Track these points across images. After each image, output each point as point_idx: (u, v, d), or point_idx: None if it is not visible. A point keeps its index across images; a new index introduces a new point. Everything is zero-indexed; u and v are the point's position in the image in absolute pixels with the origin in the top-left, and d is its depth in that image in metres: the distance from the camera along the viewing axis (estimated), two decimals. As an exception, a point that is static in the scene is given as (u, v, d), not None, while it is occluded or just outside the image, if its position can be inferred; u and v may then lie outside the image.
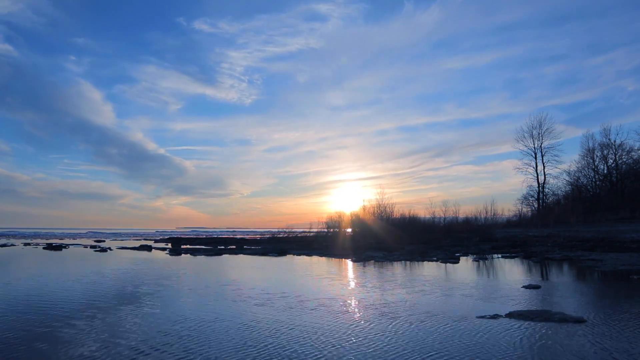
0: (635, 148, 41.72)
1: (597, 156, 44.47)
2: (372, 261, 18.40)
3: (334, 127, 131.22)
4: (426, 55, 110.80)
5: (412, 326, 6.49)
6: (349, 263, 18.11)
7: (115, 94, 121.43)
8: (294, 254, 23.47)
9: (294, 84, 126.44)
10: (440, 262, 17.65)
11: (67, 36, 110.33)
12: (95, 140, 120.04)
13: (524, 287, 10.39)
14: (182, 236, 49.54)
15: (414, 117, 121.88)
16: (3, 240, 42.07)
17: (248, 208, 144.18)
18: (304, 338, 5.84)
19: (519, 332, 6.05)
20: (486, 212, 37.90)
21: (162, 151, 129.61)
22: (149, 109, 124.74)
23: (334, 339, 5.82)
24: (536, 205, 46.10)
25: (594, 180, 45.52)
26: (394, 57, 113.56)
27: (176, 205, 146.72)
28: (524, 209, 47.04)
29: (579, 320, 6.62)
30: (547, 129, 44.92)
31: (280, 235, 38.66)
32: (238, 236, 53.17)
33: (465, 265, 16.40)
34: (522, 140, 46.28)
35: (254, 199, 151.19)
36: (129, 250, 28.00)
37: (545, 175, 45.33)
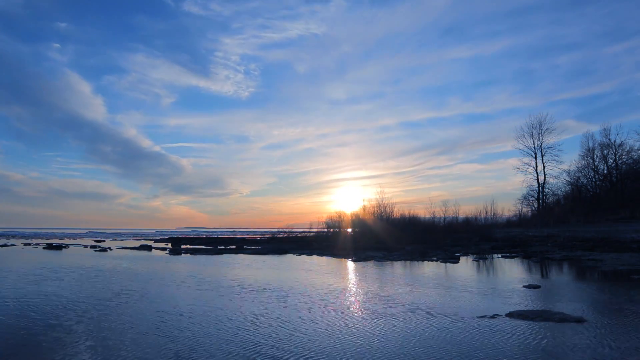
0: (635, 148, 41.73)
1: (597, 156, 44.49)
2: (372, 261, 18.39)
3: (335, 122, 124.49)
4: (433, 44, 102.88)
5: (412, 326, 6.49)
6: (349, 263, 18.11)
7: (105, 86, 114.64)
8: (294, 254, 23.47)
9: (292, 75, 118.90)
10: (441, 262, 17.64)
11: (47, 21, 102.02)
12: (87, 136, 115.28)
13: (524, 287, 10.39)
14: (182, 236, 49.52)
15: (418, 111, 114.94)
16: (3, 240, 42.06)
17: (248, 208, 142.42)
18: (303, 336, 5.84)
19: (519, 332, 6.04)
20: (486, 212, 37.92)
21: (157, 149, 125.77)
22: (141, 103, 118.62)
23: (333, 338, 5.81)
24: (536, 205, 46.09)
25: (594, 180, 45.52)
26: (399, 45, 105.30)
27: (175, 205, 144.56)
28: (524, 209, 47.03)
29: (579, 320, 6.62)
30: (547, 129, 44.97)
31: (280, 235, 38.66)
32: (238, 236, 53.15)
33: (465, 265, 16.40)
34: (522, 140, 46.36)
35: (254, 198, 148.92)
36: (129, 250, 28.00)
37: (545, 175, 45.39)
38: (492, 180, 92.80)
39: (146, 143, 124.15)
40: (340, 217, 37.19)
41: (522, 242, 26.54)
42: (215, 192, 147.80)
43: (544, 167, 45.19)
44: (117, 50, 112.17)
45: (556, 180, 45.47)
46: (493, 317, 7.01)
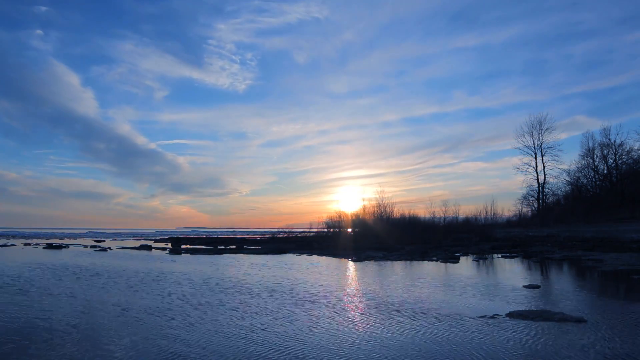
0: (635, 148, 41.80)
1: (597, 156, 44.56)
2: (372, 261, 18.39)
3: (335, 118, 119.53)
4: (440, 31, 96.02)
5: (411, 326, 6.48)
6: (349, 263, 18.10)
7: (94, 78, 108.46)
8: (293, 254, 23.47)
9: (292, 66, 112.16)
10: (440, 262, 17.64)
11: (25, 4, 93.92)
12: (79, 133, 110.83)
13: (524, 286, 10.39)
14: (182, 236, 49.51)
15: (421, 106, 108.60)
16: (3, 240, 42.05)
17: (247, 208, 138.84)
18: (302, 335, 5.84)
19: (519, 332, 6.04)
20: (486, 212, 37.98)
21: (153, 146, 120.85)
22: (133, 97, 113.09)
23: (332, 338, 5.80)
24: (536, 205, 46.15)
25: (594, 180, 45.58)
26: (404, 33, 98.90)
27: (174, 204, 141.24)
28: (524, 209, 47.12)
29: (579, 320, 6.61)
30: (547, 129, 45.02)
31: (280, 236, 38.68)
32: (238, 236, 53.14)
33: (465, 265, 16.40)
34: (522, 140, 46.41)
35: (253, 197, 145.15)
36: (129, 249, 28.00)
37: (545, 175, 45.43)
38: (496, 179, 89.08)
39: (141, 140, 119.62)
40: (340, 217, 37.24)
41: (522, 242, 26.54)
42: (214, 192, 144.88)
43: (544, 167, 45.32)
44: (104, 37, 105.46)
45: (556, 180, 45.60)
46: (493, 317, 7.00)
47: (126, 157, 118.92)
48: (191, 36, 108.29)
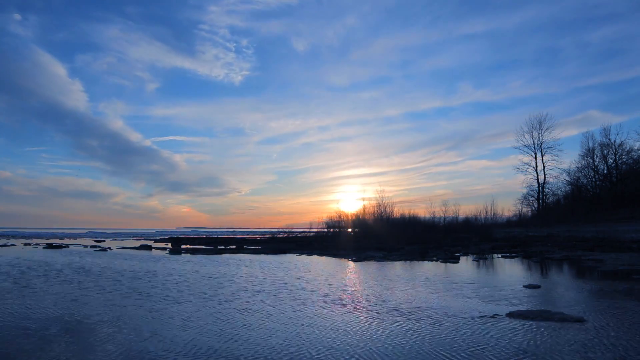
0: (635, 148, 41.82)
1: (597, 156, 44.56)
2: (372, 261, 18.39)
3: (336, 113, 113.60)
4: (449, 16, 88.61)
5: (411, 325, 6.48)
6: (349, 263, 18.10)
7: (81, 69, 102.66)
8: (293, 254, 23.48)
9: (290, 55, 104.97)
10: (440, 262, 17.64)
11: None
12: (71, 129, 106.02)
13: (524, 286, 10.39)
14: (182, 236, 49.53)
15: (425, 100, 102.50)
16: (3, 241, 42.05)
17: (247, 207, 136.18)
18: (302, 335, 5.84)
19: (519, 331, 6.04)
20: (486, 212, 37.98)
21: (147, 143, 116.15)
22: (123, 90, 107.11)
23: (331, 337, 5.80)
24: (536, 205, 46.16)
25: (594, 180, 45.57)
26: (411, 18, 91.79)
27: (172, 204, 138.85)
28: (524, 209, 47.14)
29: (579, 320, 6.62)
30: (547, 129, 45.03)
31: (280, 235, 38.71)
32: (238, 236, 53.15)
33: (465, 265, 16.40)
34: (522, 139, 46.41)
35: (253, 197, 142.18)
36: (129, 249, 27.99)
37: (545, 175, 45.43)
38: (500, 178, 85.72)
39: (135, 136, 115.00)
40: (340, 217, 37.31)
41: (522, 242, 26.55)
42: (213, 191, 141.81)
43: (544, 166, 45.34)
44: (87, 21, 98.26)
45: (556, 180, 45.63)
46: (493, 317, 7.00)
47: (121, 155, 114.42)
48: (181, 20, 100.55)
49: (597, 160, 44.60)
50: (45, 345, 5.49)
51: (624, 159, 42.76)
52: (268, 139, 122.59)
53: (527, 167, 46.28)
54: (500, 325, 6.42)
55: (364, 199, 40.06)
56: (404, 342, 5.61)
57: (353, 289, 10.47)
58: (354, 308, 8.04)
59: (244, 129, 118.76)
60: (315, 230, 37.17)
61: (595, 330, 6.09)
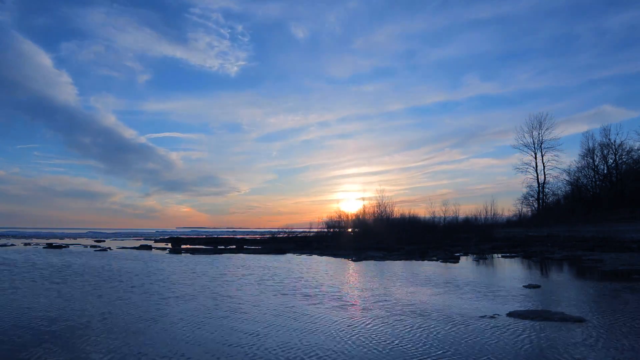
0: (635, 148, 41.86)
1: (597, 156, 44.60)
2: (372, 261, 18.39)
3: (336, 108, 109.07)
4: (458, 0, 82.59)
5: (411, 325, 6.48)
6: (349, 263, 18.10)
7: (67, 58, 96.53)
8: (293, 254, 23.48)
9: (289, 43, 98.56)
10: (440, 261, 17.64)
11: None
12: (62, 126, 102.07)
13: (524, 286, 10.39)
14: (182, 236, 49.54)
15: (430, 94, 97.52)
16: (3, 240, 42.04)
17: (247, 207, 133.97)
18: (302, 334, 5.84)
19: (519, 331, 6.04)
20: (486, 212, 38.02)
21: (142, 140, 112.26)
22: (113, 82, 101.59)
23: (331, 337, 5.80)
24: (536, 205, 46.18)
25: (594, 180, 45.62)
26: (418, 2, 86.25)
27: (171, 204, 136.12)
28: (524, 209, 47.18)
29: (579, 320, 6.62)
30: (547, 129, 45.06)
31: (280, 235, 38.72)
32: (238, 236, 53.15)
33: (465, 265, 16.40)
34: (521, 140, 46.44)
35: (253, 197, 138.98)
36: (129, 249, 27.98)
37: (545, 175, 45.44)
38: (503, 176, 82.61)
39: (129, 133, 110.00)
40: (340, 217, 37.33)
41: (522, 242, 26.56)
42: (211, 191, 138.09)
43: (544, 166, 45.37)
44: (68, 4, 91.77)
45: (556, 180, 45.66)
46: (493, 317, 7.00)
47: (115, 153, 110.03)
48: (169, 2, 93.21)
49: (597, 160, 44.67)
50: (48, 342, 5.49)
51: (624, 159, 42.82)
52: (267, 135, 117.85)
53: (527, 167, 46.33)
54: (500, 325, 6.42)
55: (364, 199, 40.14)
56: (404, 341, 5.61)
57: (352, 289, 10.46)
58: (353, 307, 8.04)
59: (242, 125, 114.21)
60: (315, 230, 37.22)
61: (595, 330, 6.09)
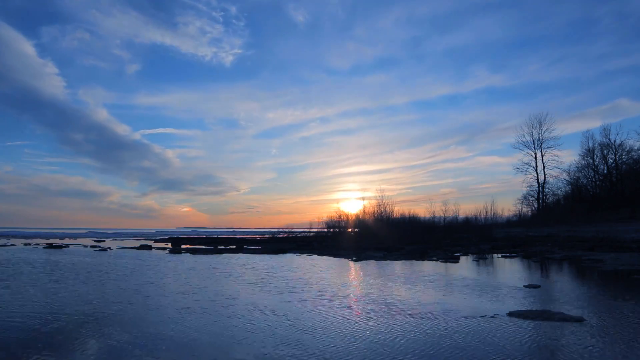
0: (635, 148, 41.84)
1: (597, 156, 44.58)
2: (372, 261, 18.39)
3: (337, 102, 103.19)
4: None
5: (411, 325, 6.48)
6: (349, 263, 18.10)
7: (50, 46, 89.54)
8: (293, 254, 23.48)
9: (288, 28, 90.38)
10: (440, 261, 17.64)
11: None
12: (51, 121, 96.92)
13: (524, 286, 10.39)
14: (182, 236, 49.53)
15: (435, 86, 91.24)
16: (3, 240, 42.02)
17: (246, 207, 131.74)
18: (302, 334, 5.84)
19: (519, 331, 6.05)
20: (486, 212, 38.01)
21: (137, 136, 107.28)
22: (102, 73, 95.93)
23: (330, 337, 5.80)
24: (536, 205, 46.18)
25: (594, 180, 45.61)
26: None
27: (170, 203, 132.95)
28: (524, 209, 47.18)
29: (579, 320, 6.62)
30: (547, 129, 45.05)
31: (280, 235, 38.74)
32: (238, 236, 53.14)
33: (465, 265, 16.40)
34: (522, 140, 46.44)
35: (252, 196, 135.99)
36: (129, 249, 27.97)
37: (545, 175, 45.44)
38: (507, 175, 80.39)
39: (122, 129, 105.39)
40: (340, 217, 37.34)
41: (522, 242, 26.56)
42: (209, 190, 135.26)
43: (544, 166, 45.35)
44: None
45: (556, 180, 45.68)
46: (493, 317, 7.01)
47: (109, 150, 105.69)
48: None
49: (597, 160, 44.65)
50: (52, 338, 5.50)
51: (624, 159, 42.81)
52: (265, 131, 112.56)
53: (527, 166, 46.32)
54: (500, 325, 6.42)
55: (364, 198, 40.15)
56: (404, 341, 5.61)
57: (352, 289, 10.47)
58: (353, 307, 8.04)
59: (238, 120, 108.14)
60: (315, 230, 37.26)
61: (595, 330, 6.09)
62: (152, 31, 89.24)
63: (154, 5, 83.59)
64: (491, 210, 38.30)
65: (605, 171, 44.34)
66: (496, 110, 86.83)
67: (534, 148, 45.98)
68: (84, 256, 21.79)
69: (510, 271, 14.34)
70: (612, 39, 67.87)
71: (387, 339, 5.77)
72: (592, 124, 76.51)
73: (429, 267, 15.55)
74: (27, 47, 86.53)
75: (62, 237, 56.05)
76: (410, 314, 7.32)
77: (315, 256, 21.87)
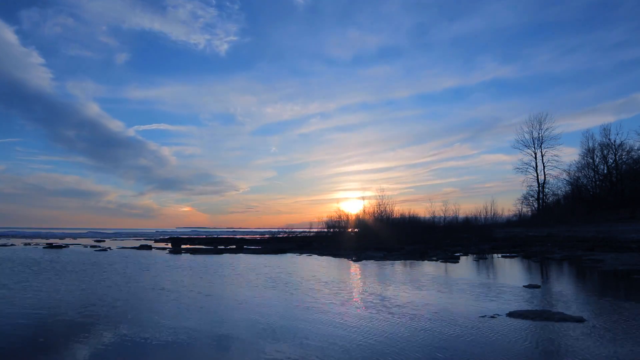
0: (635, 148, 41.84)
1: (597, 156, 44.59)
2: (372, 261, 18.39)
3: (338, 95, 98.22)
4: None
5: (411, 325, 6.48)
6: (349, 263, 18.11)
7: (31, 32, 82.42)
8: (293, 254, 23.48)
9: (287, 12, 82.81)
10: (440, 262, 17.65)
11: None
12: (41, 116, 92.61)
13: (524, 286, 10.39)
14: (182, 236, 49.51)
15: (441, 77, 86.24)
16: (3, 240, 42.03)
17: (246, 207, 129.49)
18: (302, 334, 5.84)
19: (519, 331, 6.05)
20: (486, 212, 38.03)
21: (131, 133, 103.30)
22: (90, 63, 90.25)
23: (330, 337, 5.80)
24: (536, 205, 46.18)
25: (594, 180, 45.60)
26: None
27: (167, 203, 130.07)
28: (524, 209, 47.19)
29: (579, 320, 6.62)
30: (547, 129, 45.06)
31: (280, 235, 38.75)
32: (238, 236, 53.12)
33: (465, 265, 16.40)
34: (522, 140, 46.45)
35: (252, 196, 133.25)
36: (129, 249, 27.97)
37: (545, 175, 45.44)
38: (512, 174, 79.73)
39: (115, 125, 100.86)
40: (340, 217, 37.34)
41: (522, 242, 26.56)
42: (208, 189, 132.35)
43: (544, 166, 45.36)
44: None
45: (556, 180, 45.69)
46: (493, 317, 7.01)
47: (103, 148, 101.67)
48: None
49: (597, 160, 44.65)
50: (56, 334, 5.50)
51: (624, 159, 42.81)
52: (263, 128, 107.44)
53: (527, 167, 46.33)
54: (500, 325, 6.42)
55: (364, 198, 40.15)
56: (404, 341, 5.61)
57: (352, 289, 10.47)
58: (353, 307, 8.04)
59: (235, 115, 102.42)
60: (315, 230, 37.26)
61: (595, 330, 6.09)
62: (140, 16, 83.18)
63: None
64: (491, 210, 38.38)
65: (605, 171, 44.36)
66: (504, 104, 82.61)
67: (534, 148, 46.00)
68: (84, 256, 21.79)
69: (510, 271, 14.34)
70: (631, 25, 61.67)
71: (387, 339, 5.77)
72: (605, 119, 71.37)
73: (429, 267, 15.55)
74: (8, 34, 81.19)
75: (62, 237, 56.06)
76: (410, 314, 7.32)
77: (315, 256, 21.88)
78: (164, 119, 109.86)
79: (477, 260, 18.60)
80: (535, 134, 45.82)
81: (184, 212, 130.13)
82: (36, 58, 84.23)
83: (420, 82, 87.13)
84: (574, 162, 46.47)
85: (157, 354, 5.12)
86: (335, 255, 21.92)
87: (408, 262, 17.84)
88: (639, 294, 9.50)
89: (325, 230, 36.33)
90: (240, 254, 23.57)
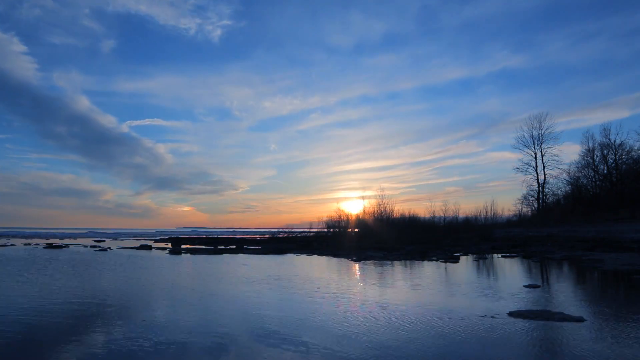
0: (635, 148, 41.80)
1: (597, 156, 44.55)
2: (372, 261, 18.40)
3: (339, 87, 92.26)
4: None
5: (412, 325, 6.49)
6: (349, 263, 18.11)
7: (8, 15, 74.03)
8: (294, 254, 23.49)
9: None
10: (440, 262, 17.65)
11: None
12: (29, 111, 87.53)
13: (524, 286, 10.40)
14: (182, 236, 49.49)
15: (447, 67, 79.95)
16: (3, 240, 42.02)
17: (245, 206, 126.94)
18: (302, 334, 5.85)
19: (519, 331, 6.05)
20: (486, 212, 38.01)
21: (125, 129, 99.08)
22: (74, 51, 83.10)
23: (332, 337, 5.81)
24: (536, 205, 46.16)
25: (594, 180, 45.56)
26: None
27: (167, 203, 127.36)
28: (524, 209, 47.15)
29: (579, 320, 6.63)
30: (547, 129, 45.04)
31: (280, 235, 38.73)
32: (238, 236, 53.11)
33: (465, 265, 16.41)
34: (521, 140, 46.43)
35: (252, 195, 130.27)
36: (129, 249, 27.97)
37: (545, 175, 45.42)
38: (516, 173, 79.70)
39: (107, 120, 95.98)
40: (340, 217, 37.32)
41: (522, 242, 26.55)
42: (206, 189, 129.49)
43: (544, 167, 45.33)
44: None
45: (556, 180, 45.67)
46: (493, 317, 7.01)
47: (97, 145, 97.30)
48: None
49: (597, 160, 44.61)
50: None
51: (624, 159, 42.75)
52: (261, 123, 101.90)
53: (527, 167, 46.31)
54: (500, 325, 6.43)
55: (364, 198, 40.13)
56: (404, 341, 5.62)
57: (352, 289, 10.47)
58: (353, 307, 8.04)
59: (232, 110, 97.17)
60: (315, 230, 37.23)
61: (595, 330, 6.10)
62: (124, -3, 65.10)
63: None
64: (491, 210, 38.34)
65: (605, 171, 44.31)
66: (513, 98, 76.45)
67: (534, 147, 45.97)
68: (84, 256, 21.79)
69: (510, 271, 14.34)
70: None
71: (387, 339, 5.77)
72: (620, 114, 63.78)
73: (429, 268, 15.55)
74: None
75: (61, 237, 56.05)
76: (410, 314, 7.32)
77: (315, 256, 21.88)
78: (157, 113, 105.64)
79: (477, 260, 18.61)
80: (535, 134, 45.77)
81: (184, 211, 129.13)
82: (18, 45, 79.25)
83: (425, 73, 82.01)
84: (574, 161, 46.41)
85: (157, 354, 5.13)
86: (335, 255, 21.93)
87: (408, 262, 17.84)
88: (639, 294, 9.51)
89: (326, 230, 36.32)
90: (241, 254, 23.57)
